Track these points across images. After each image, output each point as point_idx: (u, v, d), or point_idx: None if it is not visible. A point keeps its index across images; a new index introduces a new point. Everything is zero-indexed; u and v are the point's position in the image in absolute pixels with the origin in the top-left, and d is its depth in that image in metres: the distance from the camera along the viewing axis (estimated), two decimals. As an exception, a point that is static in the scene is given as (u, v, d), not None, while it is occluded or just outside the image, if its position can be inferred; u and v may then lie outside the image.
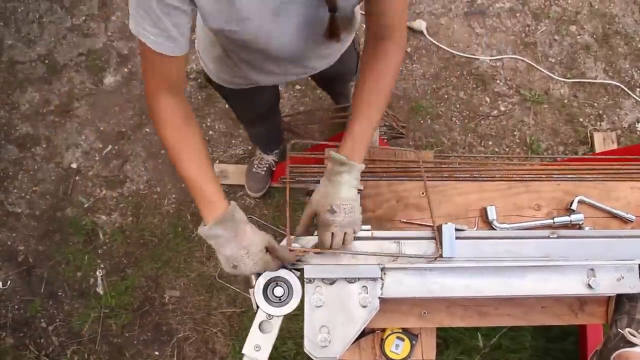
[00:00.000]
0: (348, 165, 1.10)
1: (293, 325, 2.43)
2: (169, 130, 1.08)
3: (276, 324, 1.15)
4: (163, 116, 1.07)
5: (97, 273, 2.52)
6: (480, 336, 2.32)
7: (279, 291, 1.13)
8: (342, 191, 1.10)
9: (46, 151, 2.64)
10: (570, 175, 1.44)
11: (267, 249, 1.10)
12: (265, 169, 2.48)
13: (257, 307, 1.14)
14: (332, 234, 1.10)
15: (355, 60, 1.74)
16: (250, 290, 1.16)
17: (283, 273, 1.13)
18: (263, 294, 1.13)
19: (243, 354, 1.14)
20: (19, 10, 2.81)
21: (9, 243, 2.55)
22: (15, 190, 2.60)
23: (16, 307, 2.50)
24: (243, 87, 1.53)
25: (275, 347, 2.44)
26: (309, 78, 1.85)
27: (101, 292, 2.50)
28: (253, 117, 1.95)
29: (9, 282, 2.52)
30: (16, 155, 2.64)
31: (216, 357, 2.47)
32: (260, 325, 1.15)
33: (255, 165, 2.50)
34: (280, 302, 1.13)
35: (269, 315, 1.13)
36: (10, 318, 2.48)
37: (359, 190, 1.13)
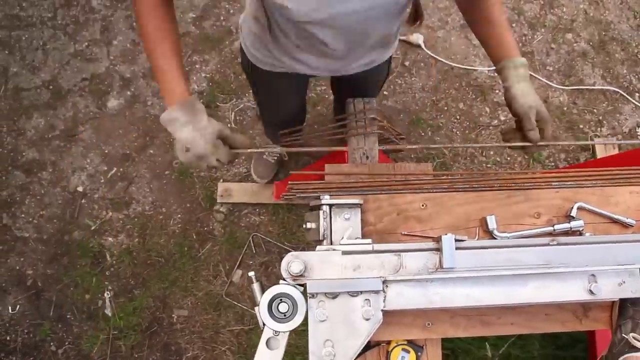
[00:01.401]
0: (524, 64, 1.27)
1: (301, 341, 2.43)
2: (148, 19, 1.13)
3: (283, 340, 1.16)
4: (145, 6, 1.13)
5: (105, 295, 2.54)
6: (488, 346, 2.31)
7: (283, 307, 1.14)
8: (530, 88, 1.27)
9: (52, 175, 2.68)
10: (568, 182, 1.45)
11: (222, 139, 1.17)
12: (275, 157, 2.50)
13: (264, 324, 1.15)
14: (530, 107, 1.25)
15: (385, 75, 1.81)
16: (256, 309, 1.17)
17: (287, 289, 1.14)
18: (268, 310, 1.14)
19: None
20: (23, 38, 2.87)
21: (18, 267, 2.58)
22: (23, 215, 2.63)
23: (25, 331, 2.51)
24: (277, 70, 1.53)
25: (284, 364, 2.44)
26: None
27: (109, 314, 2.52)
28: (294, 111, 1.94)
29: (18, 306, 2.54)
30: (23, 181, 2.67)
31: (225, 376, 2.47)
32: (267, 342, 1.16)
33: (266, 153, 2.51)
34: (286, 317, 1.14)
35: (276, 331, 1.14)
36: (20, 342, 2.50)
37: None
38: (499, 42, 1.29)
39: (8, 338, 2.50)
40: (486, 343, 2.33)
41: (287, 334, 1.16)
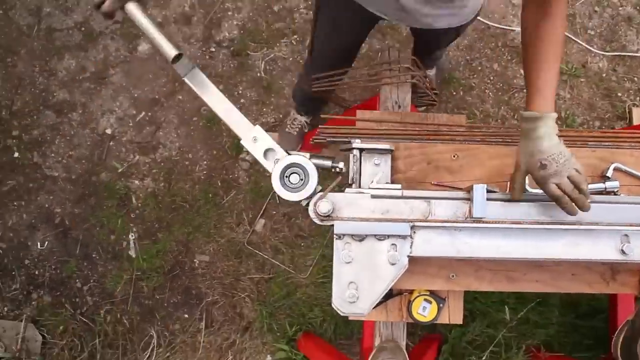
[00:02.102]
0: (540, 119, 1.12)
1: (320, 293, 2.46)
2: None
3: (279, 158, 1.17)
4: None
5: (130, 236, 2.59)
6: (507, 309, 2.31)
7: (294, 178, 1.15)
8: (544, 144, 1.11)
9: (82, 117, 2.70)
10: (606, 143, 1.41)
11: None
12: (297, 129, 2.49)
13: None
14: (557, 184, 1.11)
15: (453, 38, 1.76)
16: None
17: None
18: (280, 178, 1.16)
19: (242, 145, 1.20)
20: (56, -23, 2.86)
21: (47, 205, 2.63)
22: (53, 155, 2.67)
23: (53, 267, 2.58)
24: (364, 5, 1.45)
25: (302, 314, 2.49)
26: None
27: (133, 255, 2.57)
28: (335, 39, 1.79)
29: (47, 242, 2.61)
30: (53, 121, 2.70)
31: (244, 322, 2.52)
32: (266, 151, 1.19)
33: (288, 126, 2.50)
34: (296, 188, 1.15)
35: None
36: (47, 277, 2.58)
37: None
38: (531, 80, 1.16)
39: (36, 272, 2.58)
40: (505, 306, 2.33)
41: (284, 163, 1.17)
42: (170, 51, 1.12)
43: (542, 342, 2.36)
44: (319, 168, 1.16)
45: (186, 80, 1.22)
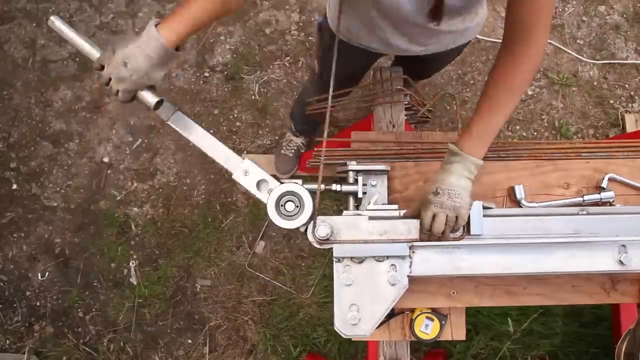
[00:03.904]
0: (460, 156, 1.11)
1: (323, 313, 2.45)
2: None
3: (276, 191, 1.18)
4: None
5: (131, 264, 2.59)
6: (510, 321, 2.30)
7: (290, 206, 1.16)
8: (451, 178, 1.11)
9: (79, 146, 2.72)
10: (599, 153, 1.42)
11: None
12: (293, 151, 2.51)
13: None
14: (434, 215, 1.10)
15: (451, 61, 1.79)
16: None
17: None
18: (275, 207, 1.16)
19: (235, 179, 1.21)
20: (50, 10, 2.88)
21: (46, 236, 2.63)
22: (51, 185, 2.68)
23: (54, 297, 2.58)
24: (346, 42, 1.47)
25: (306, 335, 2.48)
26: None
27: (135, 283, 2.56)
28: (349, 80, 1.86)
29: (47, 273, 2.61)
30: (51, 151, 2.71)
31: (247, 345, 2.51)
32: (259, 182, 1.21)
33: (284, 147, 2.52)
34: (291, 217, 1.16)
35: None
36: (49, 308, 2.57)
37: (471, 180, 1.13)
38: (471, 118, 1.15)
39: (38, 303, 2.57)
40: (508, 318, 2.32)
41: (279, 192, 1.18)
42: (151, 99, 1.13)
43: (547, 352, 2.35)
44: (313, 193, 1.17)
45: (170, 123, 1.23)
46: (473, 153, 1.11)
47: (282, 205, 1.17)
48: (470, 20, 1.38)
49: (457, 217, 1.10)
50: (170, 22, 1.09)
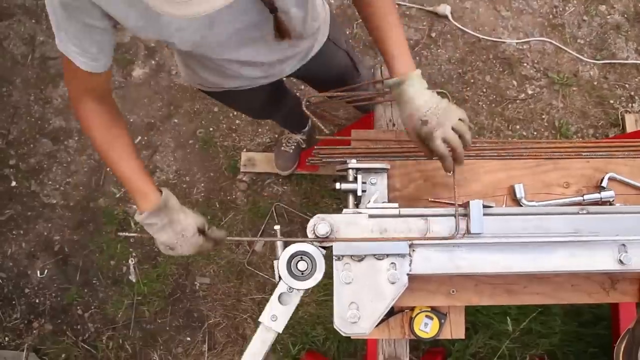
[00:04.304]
0: (403, 81, 1.09)
1: (323, 311, 2.45)
2: (95, 132, 1.13)
3: (295, 298, 1.17)
4: (88, 121, 1.13)
5: (130, 261, 2.59)
6: (509, 320, 2.30)
7: (302, 265, 1.15)
8: (416, 101, 1.08)
9: (78, 144, 2.71)
10: (600, 153, 1.42)
11: (200, 231, 1.17)
12: (293, 147, 2.50)
13: (280, 278, 1.16)
14: (443, 139, 1.08)
15: (345, 59, 1.69)
16: (275, 262, 1.18)
17: (309, 248, 1.15)
18: (287, 267, 1.15)
19: (260, 322, 1.16)
20: (49, 6, 2.88)
21: (45, 233, 2.63)
22: (50, 182, 2.68)
23: (54, 295, 2.58)
24: (225, 88, 1.49)
25: (305, 333, 2.48)
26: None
27: (134, 280, 2.56)
28: (253, 113, 1.94)
29: (46, 271, 2.61)
30: (50, 148, 2.71)
31: (246, 343, 2.50)
32: (280, 296, 1.17)
33: (284, 144, 2.52)
34: (303, 276, 1.15)
35: (290, 288, 1.15)
36: (48, 305, 2.57)
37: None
38: (381, 49, 1.14)
39: (37, 301, 2.57)
40: (507, 317, 2.32)
41: (301, 292, 1.16)
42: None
43: (546, 351, 2.35)
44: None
45: None
46: (412, 68, 1.10)
47: (295, 265, 1.15)
48: (314, 19, 1.37)
49: (459, 119, 1.08)
50: (142, 196, 1.12)
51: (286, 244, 1.15)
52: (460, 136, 1.09)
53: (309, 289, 1.15)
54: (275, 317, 1.15)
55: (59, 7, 0.97)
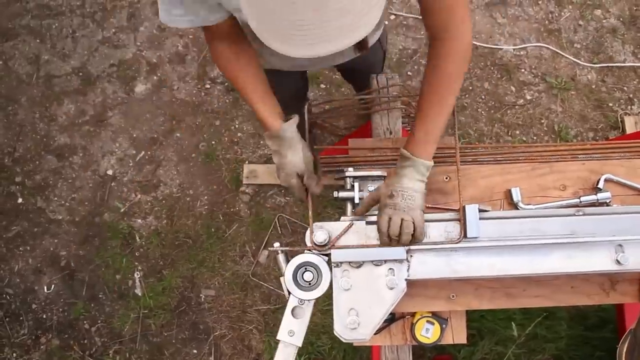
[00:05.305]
0: (411, 160, 1.14)
1: (327, 320, 2.46)
2: (224, 65, 1.23)
3: (308, 309, 1.19)
4: (218, 56, 1.22)
5: (135, 275, 2.61)
6: (514, 326, 2.30)
7: (308, 276, 1.17)
8: (403, 181, 1.14)
9: (83, 160, 2.75)
10: (595, 155, 1.43)
11: (299, 176, 1.23)
12: None
13: (289, 293, 1.18)
14: (390, 219, 1.13)
15: (381, 56, 1.80)
16: (281, 279, 1.20)
17: (311, 258, 1.16)
18: (293, 279, 1.16)
19: (279, 340, 1.18)
20: (53, 26, 2.93)
21: (52, 249, 2.66)
22: (56, 198, 2.71)
23: (60, 310, 2.60)
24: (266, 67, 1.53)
25: (310, 342, 2.48)
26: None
27: (140, 294, 2.58)
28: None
29: (53, 286, 2.63)
30: (55, 165, 2.75)
31: (252, 354, 2.52)
32: (292, 311, 1.19)
33: None
34: (310, 286, 1.17)
35: (301, 300, 1.17)
36: (55, 320, 2.59)
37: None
38: (415, 123, 1.18)
39: (44, 316, 2.59)
40: (512, 323, 2.32)
41: (312, 303, 1.18)
42: None
43: (552, 356, 2.35)
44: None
45: None
46: (422, 155, 1.14)
47: (300, 276, 1.19)
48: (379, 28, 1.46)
49: (414, 222, 1.13)
50: (269, 113, 1.22)
51: (289, 260, 1.17)
52: (403, 231, 1.13)
53: (319, 297, 1.17)
54: (292, 332, 1.17)
55: None
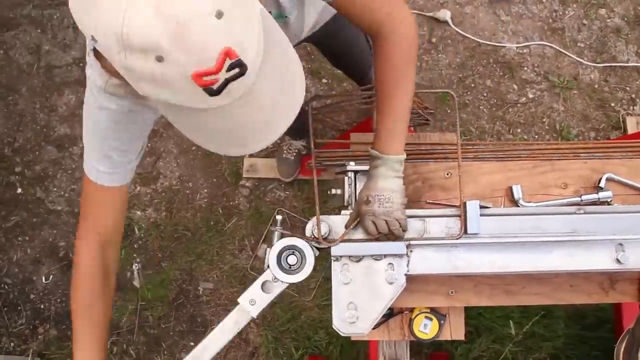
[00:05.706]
0: (381, 159, 1.13)
1: (325, 315, 2.46)
2: (75, 302, 1.18)
3: (278, 288, 1.20)
4: (77, 279, 1.18)
5: (134, 267, 2.60)
6: (512, 324, 2.30)
7: (292, 260, 1.17)
8: (378, 183, 1.14)
9: (82, 150, 2.73)
10: (597, 154, 1.43)
11: None
12: (294, 154, 2.52)
13: (268, 267, 1.18)
14: (373, 222, 1.14)
15: (353, 31, 1.68)
16: (267, 249, 1.19)
17: (300, 243, 1.17)
18: (277, 258, 1.16)
19: (238, 302, 1.20)
20: (54, 16, 2.92)
21: (50, 239, 2.66)
22: (55, 189, 2.71)
23: (59, 300, 2.60)
24: None
25: (307, 337, 2.48)
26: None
27: (137, 285, 2.58)
28: None
29: (51, 276, 2.63)
30: (55, 155, 2.74)
31: (250, 347, 2.52)
32: (263, 284, 1.19)
33: (285, 151, 2.53)
34: (291, 270, 1.17)
35: (275, 278, 1.17)
36: (53, 311, 2.59)
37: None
38: (377, 119, 1.16)
39: (42, 307, 2.59)
40: (510, 321, 2.32)
41: (284, 285, 1.18)
42: None
43: (549, 355, 2.35)
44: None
45: None
46: (391, 151, 1.13)
47: (285, 260, 1.20)
48: None
49: (396, 220, 1.13)
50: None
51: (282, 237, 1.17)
52: (390, 229, 1.15)
53: (293, 283, 1.18)
54: (253, 301, 1.17)
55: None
